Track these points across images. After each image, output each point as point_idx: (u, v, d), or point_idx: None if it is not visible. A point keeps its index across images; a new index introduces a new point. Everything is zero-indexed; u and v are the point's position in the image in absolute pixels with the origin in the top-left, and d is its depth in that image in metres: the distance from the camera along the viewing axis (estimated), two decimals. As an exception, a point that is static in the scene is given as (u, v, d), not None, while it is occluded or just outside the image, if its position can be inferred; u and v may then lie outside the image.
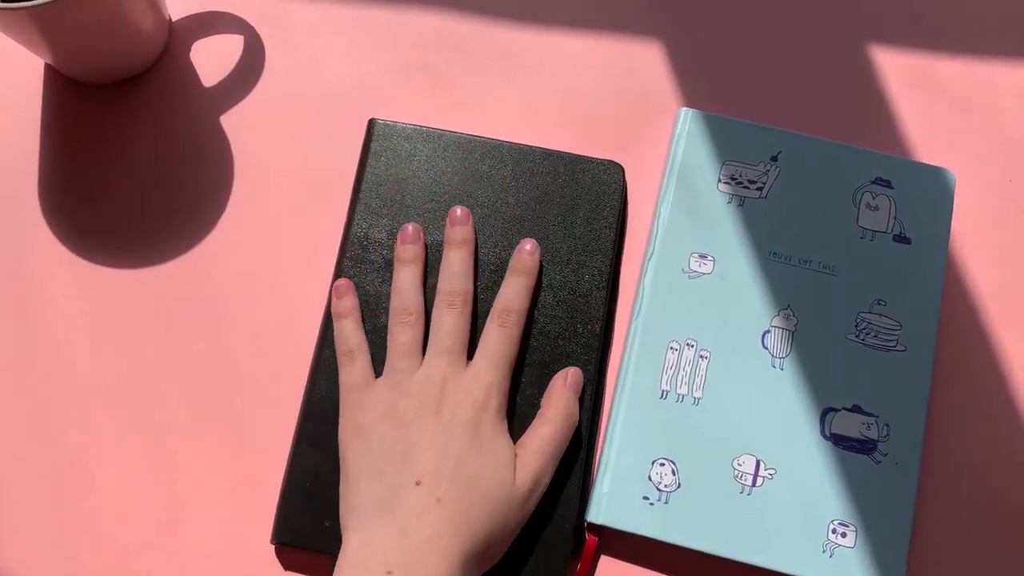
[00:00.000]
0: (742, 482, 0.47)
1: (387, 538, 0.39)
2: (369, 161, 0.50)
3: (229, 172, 0.52)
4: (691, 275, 0.49)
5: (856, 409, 0.48)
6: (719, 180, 0.50)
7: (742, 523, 0.46)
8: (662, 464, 0.46)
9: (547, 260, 0.49)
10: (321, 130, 0.53)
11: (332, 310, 0.47)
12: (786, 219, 0.49)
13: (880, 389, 0.49)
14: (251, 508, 0.46)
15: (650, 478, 0.46)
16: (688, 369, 0.48)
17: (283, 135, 0.53)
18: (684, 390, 0.47)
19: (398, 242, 0.48)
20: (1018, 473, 0.51)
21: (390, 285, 0.48)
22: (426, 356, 0.44)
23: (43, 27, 0.45)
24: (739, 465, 0.47)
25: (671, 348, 0.49)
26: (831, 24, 0.59)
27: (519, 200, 0.50)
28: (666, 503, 0.46)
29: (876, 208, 0.51)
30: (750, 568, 0.47)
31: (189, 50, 0.54)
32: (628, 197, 0.52)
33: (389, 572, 0.38)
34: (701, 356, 0.48)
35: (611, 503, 0.45)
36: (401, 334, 0.45)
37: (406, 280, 0.46)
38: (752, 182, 0.50)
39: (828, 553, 0.46)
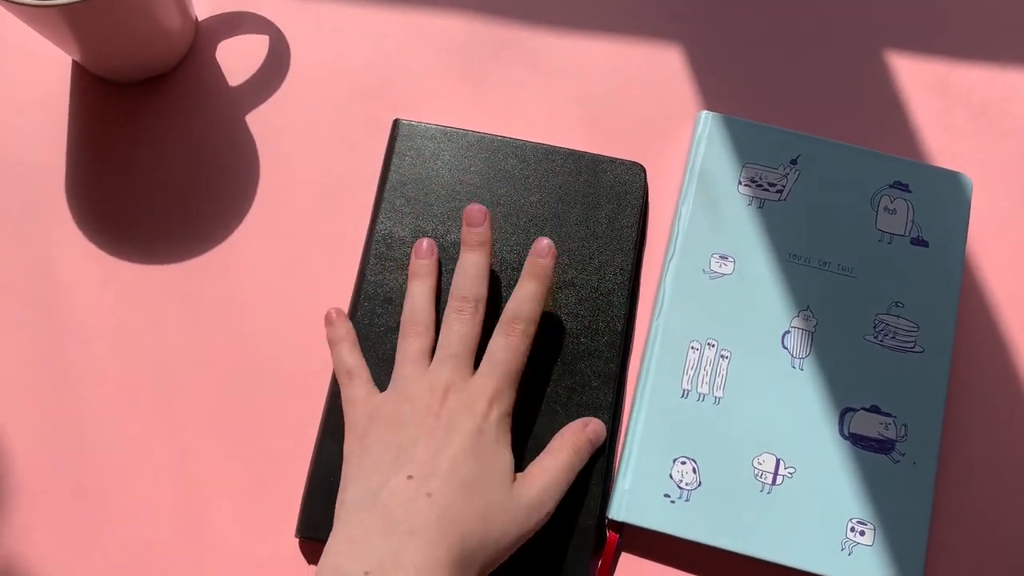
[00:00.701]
0: (762, 480, 0.48)
1: (370, 529, 0.38)
2: (394, 161, 0.50)
3: (255, 171, 0.52)
4: (712, 275, 0.49)
5: (874, 409, 0.49)
6: (739, 182, 0.50)
7: (762, 521, 0.47)
8: (683, 463, 0.46)
9: (569, 259, 0.50)
10: (346, 130, 0.53)
11: (327, 338, 0.47)
12: (805, 221, 0.50)
13: (898, 390, 0.49)
14: (275, 503, 0.47)
15: (671, 476, 0.46)
16: (709, 369, 0.48)
17: (308, 135, 0.53)
18: (705, 389, 0.48)
19: (413, 256, 0.47)
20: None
21: None
22: (432, 362, 0.44)
23: (72, 25, 0.45)
24: (759, 464, 0.48)
25: (692, 348, 0.50)
26: (851, 29, 0.59)
27: (542, 199, 0.50)
28: (687, 501, 0.46)
29: (894, 212, 0.52)
30: (770, 565, 0.48)
31: (215, 50, 0.54)
32: (649, 198, 0.53)
33: (367, 572, 0.36)
34: (722, 356, 0.49)
35: (632, 501, 0.45)
36: (409, 343, 0.44)
37: (418, 294, 0.46)
38: (772, 184, 0.51)
39: (847, 551, 0.47)
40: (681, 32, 0.58)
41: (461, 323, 0.44)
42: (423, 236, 0.49)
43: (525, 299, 0.45)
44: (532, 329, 0.44)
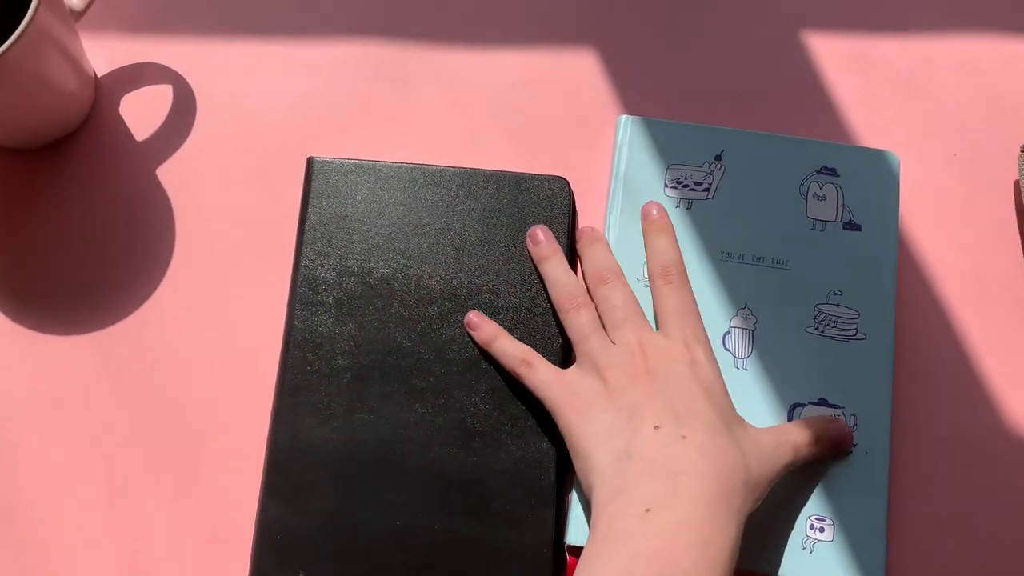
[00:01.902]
0: None
1: (635, 478, 0.38)
2: (311, 201, 0.49)
3: (170, 225, 0.51)
4: (646, 284, 0.48)
5: (822, 402, 0.48)
6: (665, 185, 0.49)
7: None
8: None
9: (501, 282, 0.49)
10: (262, 172, 0.52)
11: (481, 341, 0.47)
12: (735, 217, 0.49)
13: (844, 380, 0.49)
14: (224, 566, 0.46)
15: None
16: None
17: (223, 181, 0.52)
18: None
19: (530, 244, 0.48)
20: (986, 449, 0.50)
21: (343, 326, 0.47)
22: (609, 331, 0.44)
23: None
24: None
25: None
26: (764, 17, 0.58)
27: (467, 224, 0.49)
28: None
29: (824, 198, 0.51)
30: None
31: (118, 105, 0.53)
32: (578, 209, 0.53)
33: (648, 509, 0.37)
34: None
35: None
36: (578, 316, 0.45)
37: (557, 271, 0.47)
38: (698, 183, 0.50)
39: (808, 549, 0.46)
40: (592, 36, 0.57)
41: (614, 290, 0.46)
42: (348, 275, 0.48)
43: (662, 249, 0.47)
44: (683, 268, 0.47)
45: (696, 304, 0.46)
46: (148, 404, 0.48)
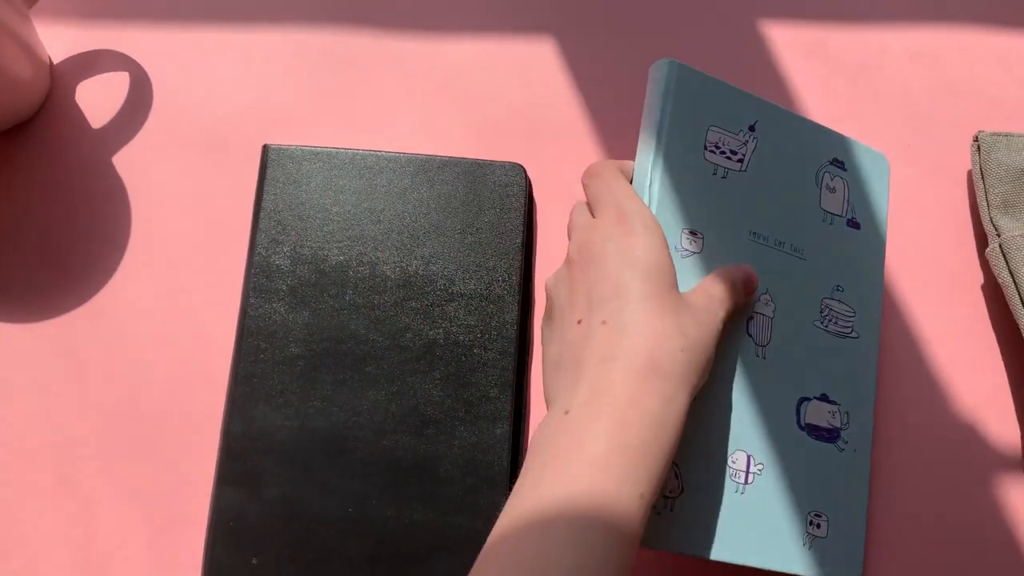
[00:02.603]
0: (736, 480, 0.42)
1: (563, 381, 0.36)
2: (266, 188, 0.48)
3: (126, 213, 0.50)
4: (683, 254, 0.42)
5: (824, 398, 0.45)
6: (705, 148, 0.44)
7: (738, 523, 0.42)
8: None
9: (454, 269, 0.47)
10: (217, 160, 0.51)
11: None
12: (763, 197, 0.44)
13: (840, 377, 0.46)
14: (179, 552, 0.44)
15: None
16: None
17: (179, 169, 0.51)
18: None
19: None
20: (959, 449, 0.48)
21: (297, 313, 0.46)
22: None
23: None
24: (733, 462, 0.42)
25: None
26: (721, 3, 0.57)
27: (421, 211, 0.48)
28: (672, 511, 0.40)
29: (834, 191, 0.48)
30: (745, 569, 0.44)
31: (74, 92, 0.52)
32: (535, 196, 0.51)
33: (567, 411, 0.34)
34: None
35: None
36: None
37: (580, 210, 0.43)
38: (734, 152, 0.44)
39: (808, 545, 0.43)
40: (549, 23, 0.56)
41: (589, 179, 0.43)
42: (303, 263, 0.47)
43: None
44: (606, 163, 0.42)
45: (627, 183, 0.41)
46: (102, 392, 0.46)
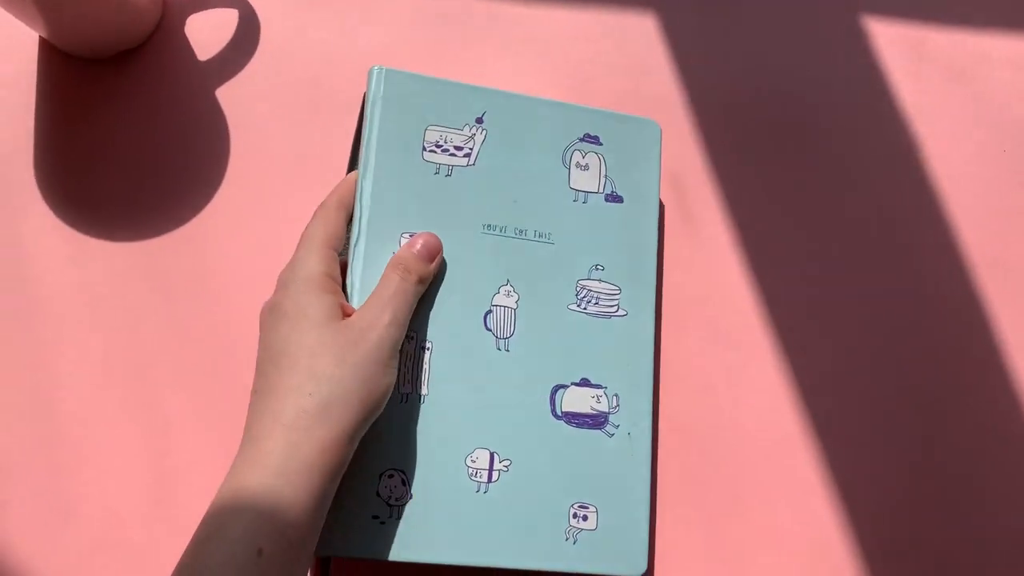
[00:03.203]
0: (477, 480, 0.44)
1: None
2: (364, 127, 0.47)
3: (225, 145, 0.52)
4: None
5: (584, 383, 0.46)
6: (424, 148, 0.45)
7: (481, 525, 0.43)
8: (390, 476, 0.42)
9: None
10: (316, 102, 0.52)
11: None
12: (497, 187, 0.46)
13: (606, 358, 0.46)
14: None
15: (378, 494, 0.42)
16: (410, 365, 0.44)
17: (278, 109, 0.52)
18: (408, 388, 0.43)
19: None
20: (751, 424, 0.49)
21: None
22: None
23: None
24: (473, 462, 0.44)
25: None
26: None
27: None
28: (398, 518, 0.42)
29: (587, 167, 0.48)
30: (497, 571, 0.45)
31: (184, 24, 0.53)
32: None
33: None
34: (423, 348, 0.44)
35: (337, 531, 0.41)
36: None
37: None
38: (459, 148, 0.46)
39: (572, 540, 0.44)
40: (652, 3, 0.56)
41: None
42: None
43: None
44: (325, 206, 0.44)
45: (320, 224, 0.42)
46: (187, 315, 0.49)
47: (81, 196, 0.50)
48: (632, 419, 0.44)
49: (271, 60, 0.53)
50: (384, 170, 0.44)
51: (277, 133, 0.52)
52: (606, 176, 0.48)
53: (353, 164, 0.48)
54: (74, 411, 0.47)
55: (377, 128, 0.45)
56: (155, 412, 0.47)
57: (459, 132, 0.47)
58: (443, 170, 0.45)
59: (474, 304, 0.46)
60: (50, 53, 0.52)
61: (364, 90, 0.49)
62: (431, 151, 0.45)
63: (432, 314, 0.45)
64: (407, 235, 0.45)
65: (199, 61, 0.53)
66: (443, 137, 0.46)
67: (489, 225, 0.46)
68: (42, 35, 0.51)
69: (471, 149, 0.47)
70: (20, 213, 0.50)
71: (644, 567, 0.43)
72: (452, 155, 0.47)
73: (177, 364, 0.48)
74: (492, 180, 0.46)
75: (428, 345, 0.45)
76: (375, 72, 0.45)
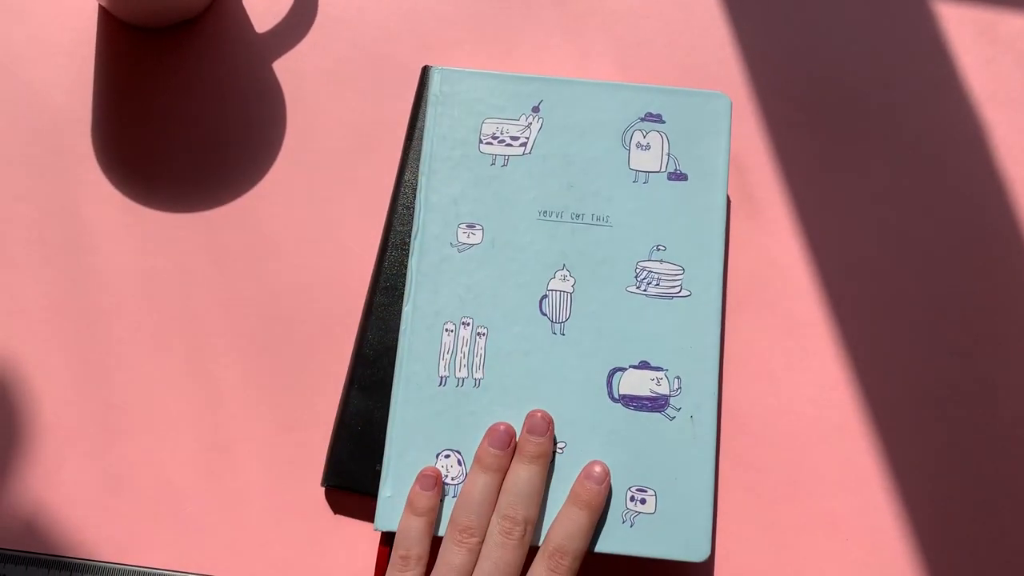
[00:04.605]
0: None
1: None
2: (422, 108, 0.49)
3: (282, 118, 0.52)
4: (460, 248, 0.46)
5: (644, 365, 0.45)
6: (480, 141, 0.46)
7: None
8: (447, 456, 0.43)
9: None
10: (374, 77, 0.53)
11: (409, 500, 0.42)
12: (553, 173, 0.46)
13: (667, 340, 0.45)
14: (300, 452, 0.47)
15: None
16: (466, 350, 0.44)
17: (336, 82, 0.52)
18: (464, 373, 0.44)
19: (484, 442, 0.42)
20: (816, 411, 0.48)
21: None
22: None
23: None
24: None
25: (446, 330, 0.46)
26: None
27: None
28: (455, 497, 0.42)
29: (648, 147, 0.48)
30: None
31: None
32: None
33: None
34: (479, 334, 0.45)
35: (397, 508, 0.42)
36: (456, 555, 0.40)
37: (480, 491, 0.41)
38: (515, 138, 0.46)
39: (629, 523, 0.43)
40: None
41: (507, 550, 0.40)
42: None
43: (573, 533, 0.40)
44: (577, 566, 0.40)
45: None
46: (242, 287, 0.49)
47: (138, 166, 0.51)
48: (695, 401, 0.43)
49: (329, 33, 0.53)
50: (441, 165, 0.46)
51: (333, 107, 0.52)
52: (669, 154, 0.47)
53: (406, 155, 0.49)
54: (128, 380, 0.48)
55: (434, 126, 0.46)
56: (209, 383, 0.48)
57: (515, 122, 0.48)
58: (499, 160, 0.46)
59: (530, 290, 0.46)
60: (109, 22, 0.53)
61: (422, 65, 0.51)
62: (487, 143, 0.46)
63: (488, 301, 0.46)
64: (463, 225, 0.46)
65: (257, 33, 0.53)
66: (499, 129, 0.47)
67: (545, 211, 0.47)
68: (101, 4, 0.51)
69: (527, 138, 0.48)
70: (77, 182, 0.51)
71: (707, 552, 0.41)
72: (508, 145, 0.47)
73: (231, 336, 0.48)
74: (548, 167, 0.47)
75: (483, 331, 0.46)
76: (433, 73, 0.47)
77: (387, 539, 0.44)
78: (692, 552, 0.43)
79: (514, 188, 0.47)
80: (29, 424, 0.47)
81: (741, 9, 0.55)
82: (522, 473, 0.41)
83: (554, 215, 0.47)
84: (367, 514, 0.46)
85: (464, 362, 0.45)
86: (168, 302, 0.49)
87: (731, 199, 0.51)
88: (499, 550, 0.39)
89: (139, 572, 0.46)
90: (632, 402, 0.44)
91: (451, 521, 0.40)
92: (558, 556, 0.39)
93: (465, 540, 0.40)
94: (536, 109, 0.48)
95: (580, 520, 0.40)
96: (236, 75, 0.52)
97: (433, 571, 0.40)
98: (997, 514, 0.46)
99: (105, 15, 0.53)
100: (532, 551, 0.41)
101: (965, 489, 0.47)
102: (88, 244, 0.50)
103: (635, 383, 0.45)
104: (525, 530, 0.40)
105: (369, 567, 0.45)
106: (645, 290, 0.46)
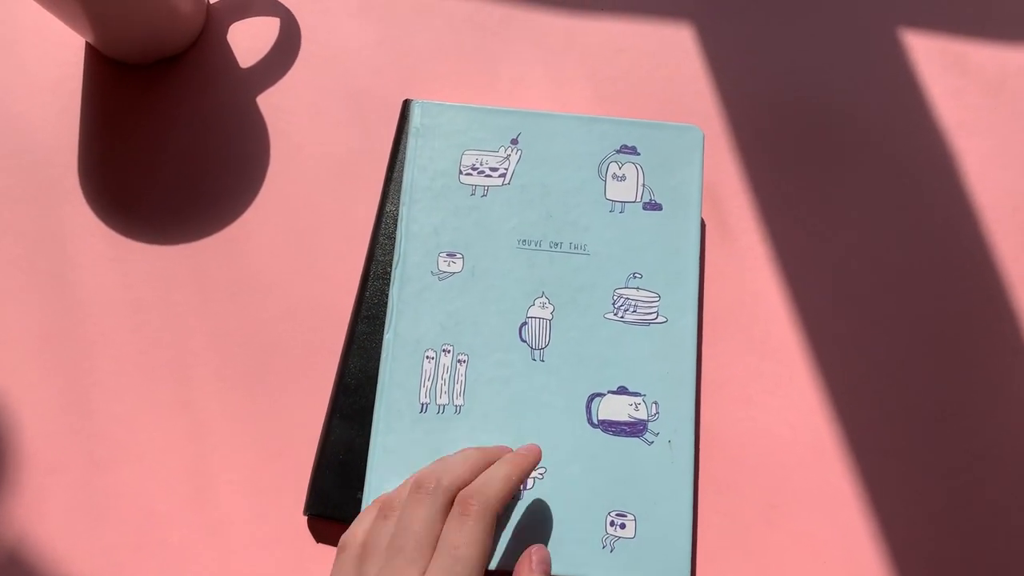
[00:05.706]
0: None
1: None
2: (403, 141, 0.50)
3: (265, 152, 0.53)
4: (441, 276, 0.47)
5: (622, 391, 0.46)
6: (460, 172, 0.48)
7: (516, 531, 0.44)
8: None
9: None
10: (356, 111, 0.54)
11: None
12: (531, 203, 0.48)
13: (645, 366, 0.46)
14: (283, 480, 0.47)
15: None
16: (447, 377, 0.45)
17: (318, 116, 0.53)
18: (444, 400, 0.45)
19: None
20: (795, 434, 0.48)
21: None
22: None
23: (86, 5, 0.46)
24: None
25: (427, 357, 0.47)
26: (863, 10, 0.58)
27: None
28: None
29: (623, 178, 0.49)
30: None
31: (226, 32, 0.55)
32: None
33: None
34: (459, 361, 0.46)
35: None
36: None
37: (470, 460, 0.40)
38: (494, 169, 0.48)
39: (608, 548, 0.44)
40: (690, 9, 0.57)
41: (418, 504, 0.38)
42: None
43: (487, 479, 0.39)
44: (492, 507, 0.38)
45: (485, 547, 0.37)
46: (225, 318, 0.49)
47: (123, 200, 0.51)
48: (673, 426, 0.44)
49: (311, 69, 0.54)
50: (421, 196, 0.48)
51: (316, 140, 0.53)
52: (644, 184, 0.48)
53: (387, 186, 0.50)
54: (114, 411, 0.48)
55: (415, 158, 0.48)
56: (194, 413, 0.48)
57: (494, 154, 0.49)
58: (479, 191, 0.48)
59: (510, 317, 0.47)
60: (95, 59, 0.54)
61: (403, 99, 0.52)
62: (467, 174, 0.48)
63: (469, 328, 0.47)
64: (444, 254, 0.48)
65: (241, 68, 0.54)
66: (479, 160, 0.49)
67: (524, 240, 0.48)
68: (88, 41, 0.52)
69: (506, 169, 0.49)
70: (64, 215, 0.51)
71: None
72: (487, 176, 0.49)
73: (215, 365, 0.48)
74: (526, 197, 0.49)
75: (464, 358, 0.46)
76: (414, 106, 0.50)
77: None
78: (671, 575, 0.43)
79: (494, 218, 0.48)
80: (13, 454, 0.47)
81: (715, 43, 0.56)
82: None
83: (533, 244, 0.48)
84: (349, 543, 0.45)
85: (445, 389, 0.46)
86: (152, 333, 0.49)
87: (706, 227, 0.51)
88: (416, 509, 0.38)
89: (122, 601, 0.46)
90: (611, 427, 0.45)
91: (428, 467, 0.40)
92: (467, 500, 0.38)
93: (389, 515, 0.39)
94: (515, 141, 0.49)
95: (497, 470, 0.39)
96: (221, 109, 0.53)
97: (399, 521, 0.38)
98: (975, 536, 0.46)
99: (92, 51, 0.54)
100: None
101: (943, 511, 0.47)
102: (74, 277, 0.50)
103: (614, 408, 0.45)
104: (438, 484, 0.38)
105: (351, 595, 0.44)
106: (622, 317, 0.46)
